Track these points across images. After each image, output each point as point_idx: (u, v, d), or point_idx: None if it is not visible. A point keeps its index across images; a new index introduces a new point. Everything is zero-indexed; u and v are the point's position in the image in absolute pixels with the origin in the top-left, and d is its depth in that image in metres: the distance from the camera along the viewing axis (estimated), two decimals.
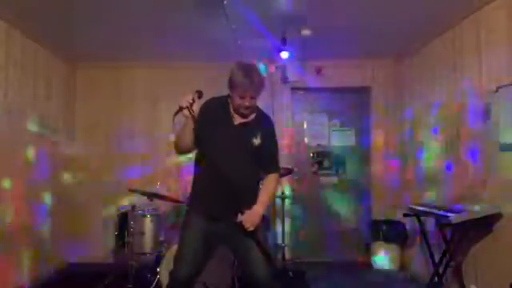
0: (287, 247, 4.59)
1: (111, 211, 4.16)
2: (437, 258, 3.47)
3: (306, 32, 4.03)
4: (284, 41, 4.05)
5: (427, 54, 4.24)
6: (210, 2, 3.24)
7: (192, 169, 2.53)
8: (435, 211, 3.23)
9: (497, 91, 3.00)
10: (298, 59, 4.69)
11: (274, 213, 4.74)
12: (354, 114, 5.24)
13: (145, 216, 3.88)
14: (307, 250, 5.11)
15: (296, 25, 3.85)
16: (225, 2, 3.20)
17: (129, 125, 5.13)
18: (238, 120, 2.41)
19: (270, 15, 3.56)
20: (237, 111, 2.39)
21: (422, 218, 3.62)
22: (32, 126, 4.10)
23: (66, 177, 4.88)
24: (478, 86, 3.30)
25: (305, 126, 5.29)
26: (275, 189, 2.57)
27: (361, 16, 3.66)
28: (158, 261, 3.65)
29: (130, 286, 3.63)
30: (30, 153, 4.06)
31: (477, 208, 3.06)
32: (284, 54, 4.24)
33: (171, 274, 2.45)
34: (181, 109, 2.27)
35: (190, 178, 2.56)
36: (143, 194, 3.81)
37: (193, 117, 2.28)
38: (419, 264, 4.30)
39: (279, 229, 4.71)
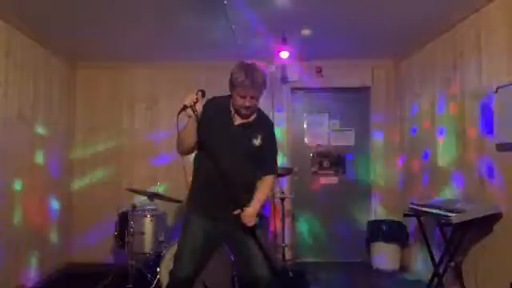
0: (287, 247, 4.59)
1: (111, 211, 4.15)
2: (437, 258, 3.47)
3: (305, 32, 4.03)
4: (284, 41, 4.05)
5: (427, 54, 4.24)
6: (210, 2, 3.24)
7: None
8: (435, 211, 3.23)
9: (497, 91, 3.00)
10: (298, 59, 4.70)
11: (274, 213, 4.73)
12: (353, 114, 5.24)
13: (145, 216, 3.88)
14: (307, 250, 5.11)
15: (296, 25, 3.85)
16: (225, 2, 3.20)
17: (129, 125, 5.13)
18: (238, 120, 2.42)
19: (270, 15, 3.56)
20: (237, 111, 2.39)
21: (422, 217, 3.62)
22: (32, 126, 4.10)
23: (66, 177, 4.88)
24: (477, 86, 3.31)
25: (305, 125, 5.29)
26: (272, 189, 2.58)
27: (361, 16, 3.66)
28: (157, 261, 3.65)
29: (130, 286, 3.63)
30: (31, 153, 4.07)
31: (477, 208, 3.06)
32: (284, 54, 4.25)
33: (171, 273, 2.46)
34: (185, 107, 2.27)
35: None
36: (143, 193, 3.81)
37: (196, 116, 2.28)
38: (419, 264, 4.30)
39: (279, 229, 4.71)
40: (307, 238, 5.13)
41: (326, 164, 5.23)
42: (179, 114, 2.28)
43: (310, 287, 4.13)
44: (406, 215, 3.75)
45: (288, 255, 4.63)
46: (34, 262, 4.13)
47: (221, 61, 4.35)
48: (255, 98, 2.34)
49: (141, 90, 5.16)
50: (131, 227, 3.71)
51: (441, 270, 3.42)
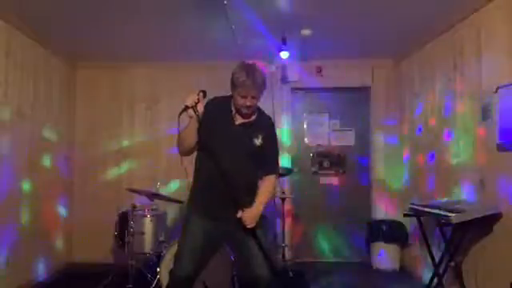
0: (287, 247, 4.59)
1: (111, 211, 4.15)
2: (437, 258, 3.47)
3: (305, 32, 4.03)
4: (284, 41, 4.05)
5: (427, 54, 4.24)
6: (210, 2, 3.24)
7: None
8: (435, 211, 3.22)
9: (496, 91, 3.00)
10: (298, 59, 4.70)
11: (274, 213, 4.73)
12: (353, 113, 5.24)
13: (145, 216, 3.88)
14: (307, 250, 5.11)
15: (296, 25, 3.85)
16: (225, 2, 3.20)
17: (129, 125, 5.13)
18: (239, 120, 2.42)
19: (270, 15, 3.56)
20: (238, 111, 2.39)
21: (422, 217, 3.62)
22: (32, 126, 4.10)
23: (66, 177, 4.88)
24: (477, 86, 3.31)
25: (305, 125, 5.29)
26: (274, 190, 2.58)
27: (360, 16, 3.66)
28: (157, 261, 3.65)
29: (130, 286, 3.63)
30: (31, 153, 4.07)
31: (477, 208, 3.06)
32: (284, 54, 4.25)
33: (171, 273, 2.46)
34: (186, 108, 2.28)
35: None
36: (143, 193, 3.81)
37: (197, 117, 2.28)
38: (419, 264, 4.30)
39: (279, 229, 4.71)
40: (307, 238, 5.13)
41: (326, 164, 5.24)
42: (180, 114, 2.28)
43: (309, 287, 4.13)
44: (406, 215, 3.75)
45: (288, 255, 4.63)
46: (34, 261, 4.13)
47: (221, 61, 4.37)
48: (256, 97, 2.35)
49: (141, 90, 5.16)
50: (131, 227, 3.71)
51: (441, 270, 3.42)
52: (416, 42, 4.29)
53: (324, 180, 5.22)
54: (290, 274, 4.30)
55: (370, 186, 5.13)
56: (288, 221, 4.87)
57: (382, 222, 4.72)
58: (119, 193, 4.62)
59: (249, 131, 2.41)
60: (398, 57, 4.90)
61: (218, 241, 2.51)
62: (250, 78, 2.28)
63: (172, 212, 4.54)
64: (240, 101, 2.33)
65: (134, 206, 3.78)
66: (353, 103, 5.25)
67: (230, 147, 2.36)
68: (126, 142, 5.10)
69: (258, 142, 2.40)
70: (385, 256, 4.65)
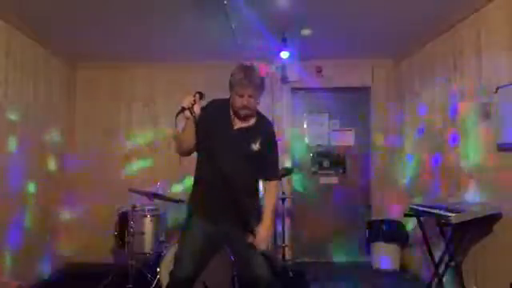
0: (287, 247, 4.59)
1: (111, 211, 4.15)
2: (437, 258, 3.47)
3: (306, 32, 4.03)
4: (284, 41, 4.05)
5: (427, 54, 4.24)
6: (210, 2, 3.24)
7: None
8: (435, 211, 3.22)
9: (496, 91, 3.00)
10: (298, 59, 4.70)
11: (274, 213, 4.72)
12: (354, 113, 5.24)
13: (145, 216, 3.87)
14: (307, 250, 5.11)
15: (296, 25, 3.85)
16: (225, 2, 3.20)
17: (128, 125, 5.13)
18: (237, 124, 2.41)
19: (270, 15, 3.56)
20: (237, 114, 2.38)
21: (422, 217, 3.62)
22: (32, 126, 4.10)
23: (66, 177, 4.88)
24: (477, 86, 3.30)
25: (305, 125, 5.29)
26: (277, 197, 2.58)
27: (360, 16, 3.66)
28: (157, 261, 3.64)
29: (130, 286, 3.64)
30: (30, 153, 4.07)
31: (477, 208, 3.06)
32: (284, 54, 4.25)
33: (171, 274, 2.45)
34: (183, 109, 2.28)
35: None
36: (143, 193, 3.81)
37: (194, 118, 2.29)
38: (419, 264, 4.30)
39: (279, 229, 4.70)
40: (307, 238, 5.12)
41: (326, 164, 5.23)
42: (177, 115, 2.29)
43: (309, 287, 4.13)
44: (406, 215, 3.75)
45: (288, 255, 4.64)
46: (36, 261, 4.14)
47: (220, 61, 4.37)
48: (253, 97, 2.33)
49: (141, 90, 5.16)
50: (131, 227, 3.71)
51: (441, 270, 3.42)
52: (416, 42, 4.29)
53: (324, 180, 5.22)
54: (290, 273, 4.31)
55: (370, 186, 5.13)
56: (288, 221, 4.87)
57: (382, 221, 4.71)
58: (119, 193, 4.62)
59: (246, 136, 2.39)
60: (398, 57, 4.90)
61: (218, 242, 2.51)
62: (247, 77, 2.29)
63: (172, 212, 4.53)
64: (237, 101, 2.32)
65: (133, 206, 3.78)
66: (353, 103, 5.25)
67: (228, 151, 2.36)
68: (125, 142, 5.10)
69: (255, 147, 2.38)
70: (385, 256, 4.65)
